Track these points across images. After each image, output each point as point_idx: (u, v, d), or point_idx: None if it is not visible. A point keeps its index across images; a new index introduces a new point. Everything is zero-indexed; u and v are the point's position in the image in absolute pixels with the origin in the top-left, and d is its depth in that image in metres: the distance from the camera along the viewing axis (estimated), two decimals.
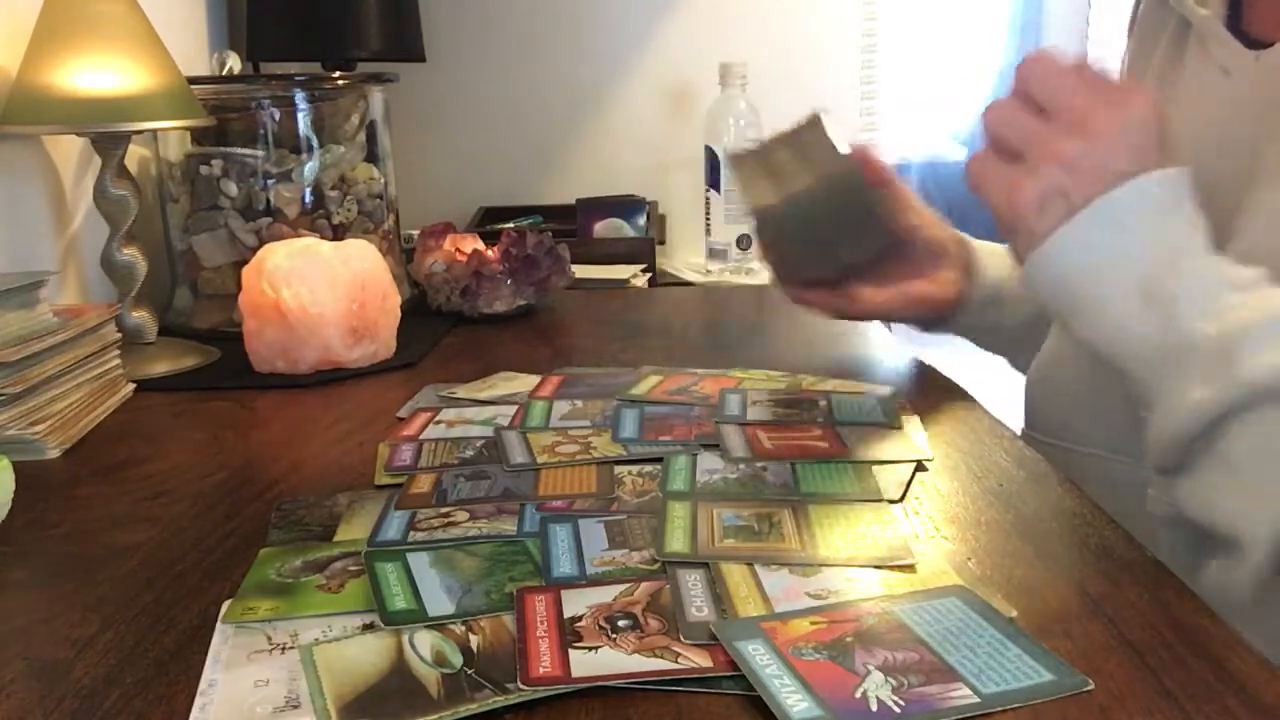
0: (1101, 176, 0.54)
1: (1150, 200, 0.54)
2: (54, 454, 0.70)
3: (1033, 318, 0.82)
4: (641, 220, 1.64)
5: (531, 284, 1.07)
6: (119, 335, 0.82)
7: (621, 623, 0.44)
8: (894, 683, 0.40)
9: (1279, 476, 0.49)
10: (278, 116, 1.05)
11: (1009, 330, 0.84)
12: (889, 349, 0.91)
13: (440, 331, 1.02)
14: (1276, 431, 0.49)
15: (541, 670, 0.41)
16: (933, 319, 0.84)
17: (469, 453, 0.66)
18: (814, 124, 0.78)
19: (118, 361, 0.82)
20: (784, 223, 0.78)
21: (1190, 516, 0.53)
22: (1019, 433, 0.73)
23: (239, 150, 1.04)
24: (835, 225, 0.78)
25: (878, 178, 0.80)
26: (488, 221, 1.69)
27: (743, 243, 1.63)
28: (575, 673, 0.41)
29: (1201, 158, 0.65)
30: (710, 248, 1.67)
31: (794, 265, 0.81)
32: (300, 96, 1.06)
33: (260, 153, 1.04)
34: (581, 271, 1.28)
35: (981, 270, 0.83)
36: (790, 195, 0.77)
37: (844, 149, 0.78)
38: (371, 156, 1.13)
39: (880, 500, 0.57)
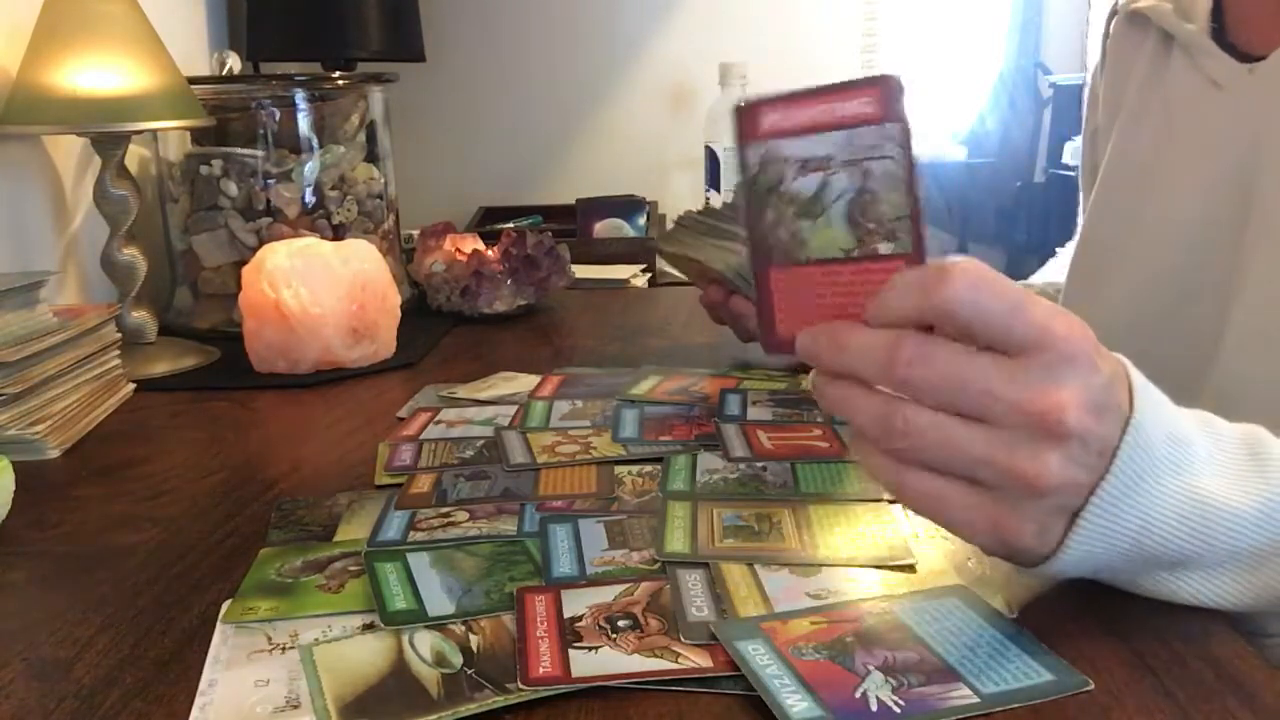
0: (1093, 471, 0.41)
1: (1140, 467, 0.42)
2: (54, 454, 0.70)
3: None
4: (641, 220, 1.64)
5: (531, 284, 1.07)
6: (119, 335, 0.82)
7: (621, 623, 0.44)
8: (894, 683, 0.40)
9: None
10: (278, 116, 1.05)
11: None
12: None
13: (440, 331, 1.02)
14: None
15: (541, 670, 0.41)
16: None
17: (469, 453, 0.66)
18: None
19: (118, 361, 0.82)
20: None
21: None
22: None
23: (239, 150, 1.04)
24: None
25: None
26: (488, 221, 1.69)
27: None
28: (575, 673, 0.41)
29: (1198, 172, 0.65)
30: None
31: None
32: (300, 96, 1.06)
33: (260, 153, 1.04)
34: (581, 271, 1.28)
35: None
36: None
37: None
38: (371, 156, 1.13)
39: (880, 500, 0.57)
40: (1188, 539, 0.42)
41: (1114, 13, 0.79)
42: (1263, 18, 0.65)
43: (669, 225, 0.87)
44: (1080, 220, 0.81)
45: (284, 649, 0.44)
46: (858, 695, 0.39)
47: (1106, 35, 0.80)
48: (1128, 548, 0.42)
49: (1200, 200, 0.65)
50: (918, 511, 0.43)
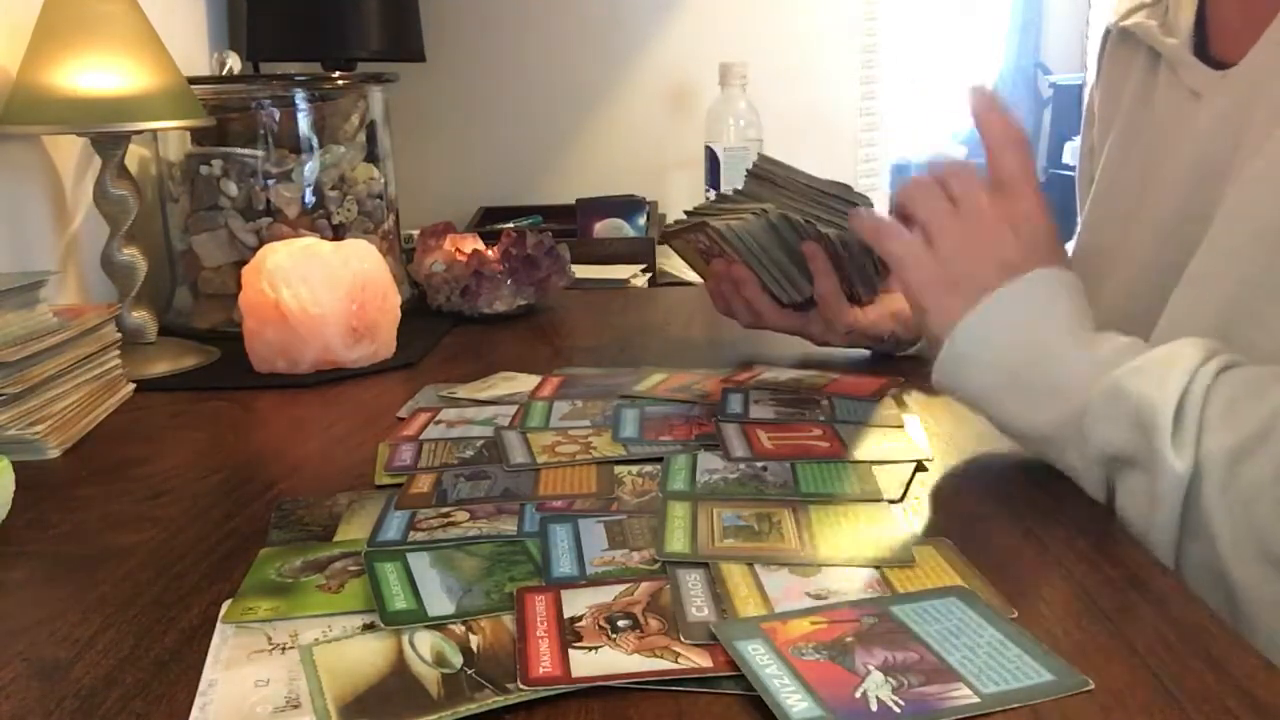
0: (996, 267, 0.61)
1: (1026, 301, 0.60)
2: (54, 454, 0.70)
3: None
4: (641, 220, 1.64)
5: (531, 284, 1.07)
6: (119, 335, 0.82)
7: (621, 623, 0.44)
8: (894, 683, 0.40)
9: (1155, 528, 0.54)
10: (278, 116, 1.05)
11: None
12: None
13: (440, 331, 1.02)
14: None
15: (541, 670, 0.41)
16: (909, 339, 0.86)
17: (469, 453, 0.66)
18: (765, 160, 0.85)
19: (118, 361, 0.82)
20: (765, 234, 0.79)
21: None
22: None
23: (239, 150, 1.04)
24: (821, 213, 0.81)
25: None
26: (488, 221, 1.69)
27: None
28: (575, 673, 0.41)
29: (1179, 174, 0.68)
30: None
31: (783, 276, 0.82)
32: (300, 96, 1.06)
33: (260, 153, 1.04)
34: (581, 271, 1.28)
35: None
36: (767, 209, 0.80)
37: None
38: (371, 156, 1.13)
39: (880, 500, 0.57)
40: (1028, 354, 0.59)
41: (1109, 31, 0.80)
42: (1238, 28, 0.68)
43: (669, 225, 0.88)
44: (1078, 226, 0.83)
45: (284, 649, 0.44)
46: (858, 695, 0.39)
47: (1102, 53, 0.82)
48: (995, 358, 0.59)
49: (1181, 200, 0.67)
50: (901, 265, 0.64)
